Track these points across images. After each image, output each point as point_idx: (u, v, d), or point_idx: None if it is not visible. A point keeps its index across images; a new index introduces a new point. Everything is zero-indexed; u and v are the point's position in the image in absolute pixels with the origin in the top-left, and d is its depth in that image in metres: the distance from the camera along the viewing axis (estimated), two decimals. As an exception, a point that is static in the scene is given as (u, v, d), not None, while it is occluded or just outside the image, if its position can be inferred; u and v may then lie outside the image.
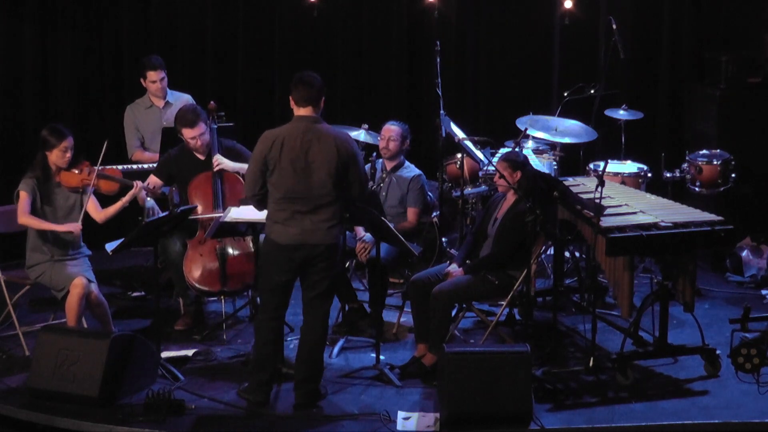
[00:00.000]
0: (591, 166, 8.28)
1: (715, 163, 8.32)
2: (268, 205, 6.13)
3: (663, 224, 6.47)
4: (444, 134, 8.00)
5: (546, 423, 5.95)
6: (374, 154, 7.91)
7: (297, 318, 6.84)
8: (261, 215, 6.41)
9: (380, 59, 9.63)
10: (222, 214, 6.92)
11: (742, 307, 6.10)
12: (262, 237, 6.77)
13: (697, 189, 8.32)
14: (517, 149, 7.68)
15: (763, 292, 8.05)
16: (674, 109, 9.43)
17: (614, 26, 8.39)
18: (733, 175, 8.36)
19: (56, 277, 6.79)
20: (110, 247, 6.91)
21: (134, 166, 7.84)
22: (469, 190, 8.22)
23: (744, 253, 8.41)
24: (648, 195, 7.35)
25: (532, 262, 6.67)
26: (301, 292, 6.26)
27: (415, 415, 6.09)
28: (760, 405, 6.09)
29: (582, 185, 7.20)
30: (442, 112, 7.94)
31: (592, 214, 6.42)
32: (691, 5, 9.30)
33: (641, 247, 6.43)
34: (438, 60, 8.06)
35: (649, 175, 8.31)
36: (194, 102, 7.99)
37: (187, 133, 7.22)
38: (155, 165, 7.56)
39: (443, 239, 8.17)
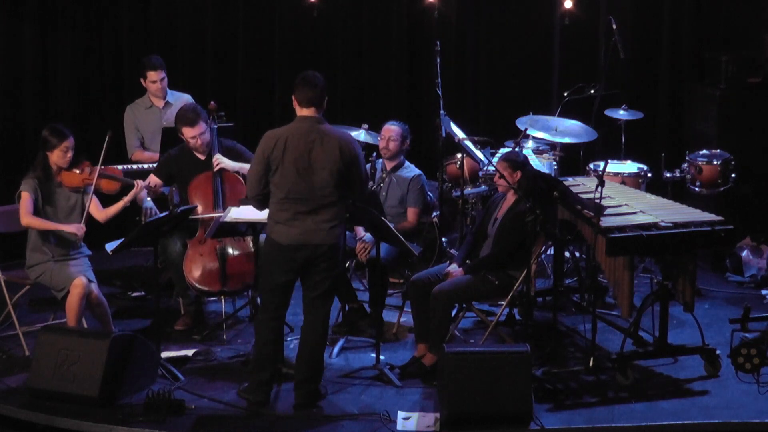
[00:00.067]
0: (591, 166, 8.28)
1: (715, 163, 8.32)
2: (270, 205, 6.13)
3: (663, 224, 6.47)
4: (444, 134, 8.00)
5: (546, 423, 5.95)
6: (374, 154, 7.91)
7: (297, 318, 6.84)
8: (261, 215, 6.41)
9: (380, 59, 9.63)
10: (222, 214, 6.92)
11: (742, 307, 6.10)
12: (262, 237, 6.79)
13: (697, 189, 8.32)
14: (517, 149, 7.68)
15: (763, 292, 8.05)
16: (674, 109, 9.43)
17: (614, 26, 8.39)
18: (733, 175, 8.36)
19: (56, 277, 6.79)
20: (110, 247, 6.91)
21: (134, 166, 7.84)
22: (469, 190, 8.22)
23: (744, 253, 8.41)
24: (648, 195, 7.35)
25: (532, 262, 6.67)
26: (301, 292, 6.26)
27: (415, 415, 6.09)
28: (760, 405, 6.09)
29: (582, 185, 7.20)
30: (442, 112, 7.94)
31: (592, 214, 6.42)
32: (691, 5, 9.30)
33: (641, 247, 6.43)
34: (438, 60, 8.06)
35: (649, 175, 8.31)
36: (194, 102, 7.99)
37: (188, 133, 7.22)
38: (155, 165, 7.56)
39: (443, 239, 8.17)
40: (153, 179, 7.27)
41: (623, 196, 7.07)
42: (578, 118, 8.42)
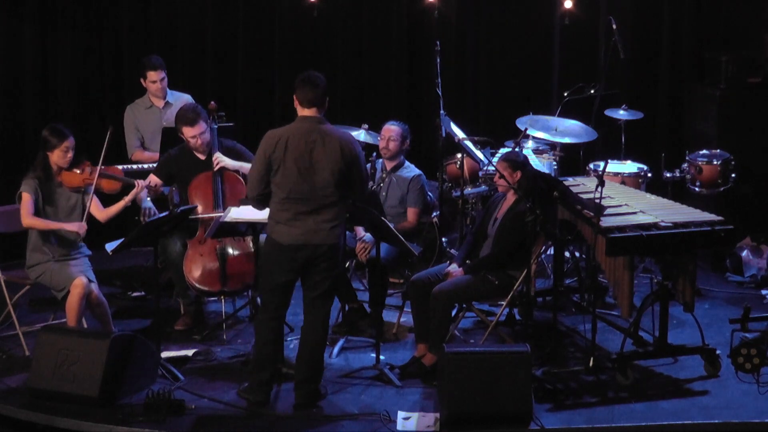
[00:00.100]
0: (591, 166, 8.28)
1: (715, 163, 8.32)
2: (271, 205, 6.13)
3: (663, 224, 6.47)
4: (444, 134, 8.00)
5: (546, 423, 5.95)
6: (374, 154, 7.91)
7: (297, 318, 6.85)
8: (261, 215, 6.41)
9: (380, 59, 9.63)
10: (222, 214, 6.92)
11: (742, 307, 6.09)
12: (262, 237, 6.79)
13: (697, 189, 8.32)
14: (517, 149, 7.68)
15: (763, 292, 8.05)
16: (674, 109, 9.43)
17: (614, 26, 8.39)
18: (733, 175, 8.36)
19: (57, 277, 6.79)
20: (110, 247, 6.91)
21: (134, 166, 7.84)
22: (469, 190, 8.22)
23: (744, 253, 8.41)
24: (648, 195, 7.35)
25: (532, 262, 6.67)
26: (301, 292, 6.26)
27: (415, 415, 6.09)
28: (760, 405, 6.09)
29: (582, 185, 7.20)
30: (442, 112, 7.94)
31: (592, 214, 6.42)
32: (691, 5, 9.30)
33: (641, 247, 6.43)
34: (438, 60, 8.06)
35: (649, 175, 8.31)
36: (194, 102, 7.99)
37: (188, 132, 7.22)
38: (155, 165, 7.55)
39: (443, 239, 8.17)
40: (153, 179, 7.27)
41: (623, 196, 7.07)
42: (578, 118, 8.41)
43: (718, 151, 8.46)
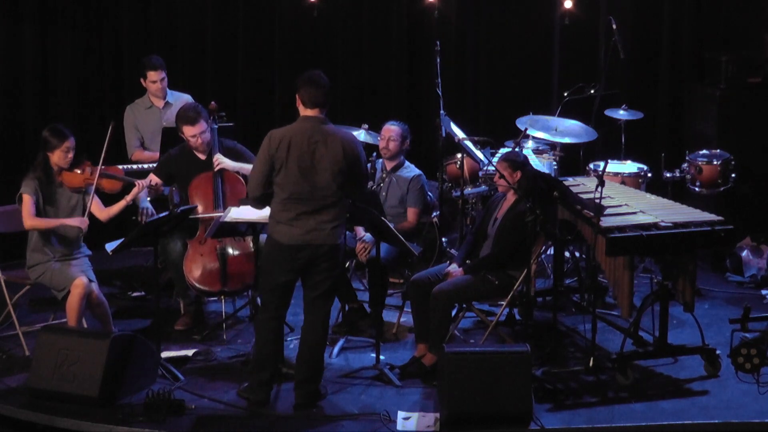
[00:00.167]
0: (591, 166, 8.28)
1: (715, 163, 8.32)
2: (272, 205, 6.12)
3: (663, 224, 6.47)
4: (444, 134, 8.00)
5: (546, 423, 5.95)
6: (374, 154, 7.91)
7: (297, 318, 6.85)
8: (261, 215, 6.42)
9: (380, 59, 9.63)
10: (222, 214, 6.92)
11: (742, 307, 6.08)
12: (262, 237, 6.79)
13: (697, 189, 8.32)
14: (517, 149, 7.68)
15: (763, 292, 8.05)
16: (674, 109, 9.43)
17: (614, 26, 8.39)
18: (733, 175, 8.36)
19: (57, 277, 6.79)
20: (110, 247, 6.91)
21: (134, 166, 7.84)
22: (469, 190, 8.22)
23: (744, 253, 8.41)
24: (648, 195, 7.35)
25: (532, 262, 6.67)
26: (301, 292, 6.26)
27: (415, 415, 6.09)
28: (760, 405, 6.09)
29: (582, 185, 7.20)
30: (442, 112, 7.94)
31: (592, 214, 6.42)
32: (691, 5, 9.30)
33: (641, 247, 6.43)
34: (438, 60, 8.06)
35: (649, 175, 8.31)
36: (195, 101, 7.99)
37: (188, 131, 7.22)
38: (155, 165, 7.55)
39: (443, 239, 8.17)
40: (153, 178, 7.26)
41: (623, 196, 7.07)
42: (578, 118, 8.41)
43: (718, 151, 8.46)
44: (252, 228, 7.08)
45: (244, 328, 7.42)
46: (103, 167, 6.95)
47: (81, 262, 6.93)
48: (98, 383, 6.10)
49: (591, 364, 6.54)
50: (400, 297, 7.63)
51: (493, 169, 7.19)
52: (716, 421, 5.99)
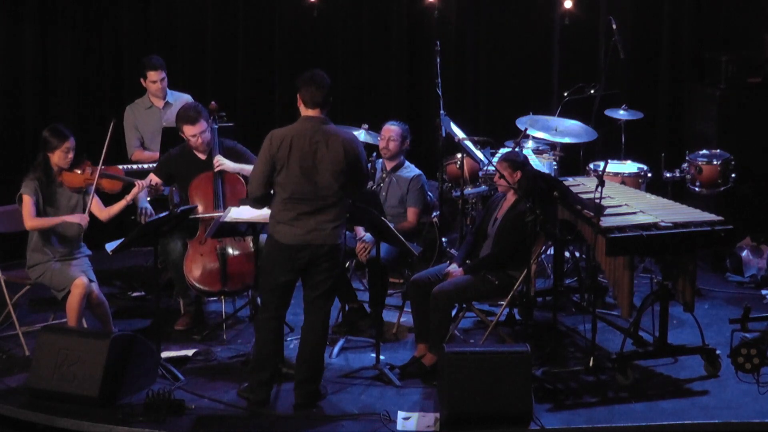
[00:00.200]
0: (591, 166, 8.28)
1: (715, 163, 8.32)
2: (273, 205, 6.12)
3: (663, 224, 6.47)
4: (444, 134, 8.00)
5: (546, 423, 5.95)
6: (374, 154, 7.91)
7: (297, 318, 6.85)
8: (261, 215, 6.42)
9: (380, 59, 9.63)
10: (222, 214, 6.92)
11: (742, 307, 6.09)
12: (262, 237, 6.79)
13: (697, 189, 8.32)
14: (517, 149, 7.67)
15: (763, 292, 8.05)
16: (674, 109, 9.43)
17: (614, 26, 8.40)
18: (733, 175, 8.36)
19: (57, 277, 6.79)
20: (110, 247, 6.91)
21: (134, 166, 7.84)
22: (469, 190, 8.22)
23: (744, 253, 8.41)
24: (648, 195, 7.35)
25: (532, 262, 6.67)
26: (301, 292, 6.26)
27: (415, 415, 6.09)
28: (760, 405, 6.09)
29: (582, 185, 7.20)
30: (442, 112, 7.94)
31: (592, 214, 6.42)
32: (691, 5, 9.30)
33: (641, 247, 6.43)
34: (438, 60, 8.06)
35: (649, 175, 8.31)
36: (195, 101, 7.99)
37: (188, 131, 7.22)
38: (155, 165, 7.55)
39: (443, 239, 8.17)
40: (153, 178, 7.26)
41: (623, 196, 7.07)
42: (578, 118, 8.41)
43: (718, 151, 8.46)
44: (252, 228, 7.08)
45: (244, 328, 7.42)
46: (103, 167, 6.95)
47: (81, 262, 6.93)
48: (98, 383, 6.10)
49: (591, 364, 6.54)
50: (400, 297, 7.63)
51: (493, 169, 7.19)
52: (716, 421, 5.99)
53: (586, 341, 6.85)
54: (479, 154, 8.08)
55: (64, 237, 6.89)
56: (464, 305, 7.07)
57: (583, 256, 7.92)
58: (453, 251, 7.97)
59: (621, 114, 8.49)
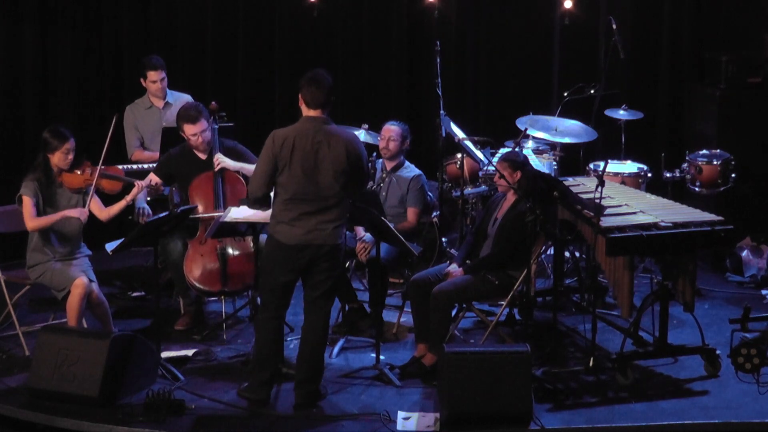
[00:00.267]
0: (591, 166, 8.28)
1: (715, 163, 8.32)
2: (274, 206, 6.13)
3: (663, 224, 6.47)
4: (444, 134, 8.00)
5: (546, 423, 5.95)
6: (374, 154, 7.91)
7: (297, 318, 6.85)
8: (262, 215, 6.42)
9: (380, 59, 9.63)
10: (222, 214, 6.92)
11: (742, 307, 6.09)
12: (262, 237, 6.79)
13: (697, 189, 8.32)
14: (517, 149, 7.68)
15: (763, 292, 8.05)
16: (674, 109, 9.43)
17: (614, 26, 8.40)
18: (733, 175, 8.36)
19: (57, 277, 6.79)
20: (110, 247, 6.91)
21: (134, 166, 7.84)
22: (469, 190, 8.22)
23: (744, 253, 8.41)
24: (648, 195, 7.35)
25: (532, 262, 6.67)
26: (301, 292, 6.26)
27: (415, 415, 6.09)
28: (760, 405, 6.09)
29: (582, 185, 7.20)
30: (442, 112, 7.94)
31: (592, 214, 6.42)
32: (691, 5, 9.30)
33: (641, 247, 6.43)
34: (438, 60, 8.06)
35: (649, 175, 8.31)
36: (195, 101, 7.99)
37: (189, 130, 7.22)
38: (155, 165, 7.55)
39: (443, 239, 8.17)
40: (153, 178, 7.26)
41: (623, 196, 7.07)
42: (578, 118, 8.41)
43: (718, 151, 8.46)
44: (252, 228, 7.08)
45: (244, 328, 7.42)
46: (102, 167, 6.95)
47: (81, 262, 6.93)
48: (98, 383, 6.10)
49: (591, 364, 6.54)
50: (400, 297, 7.63)
51: (493, 169, 7.19)
52: (716, 421, 6.00)
53: (586, 341, 6.85)
54: (479, 154, 8.08)
55: (64, 236, 6.88)
56: (464, 305, 7.07)
57: (583, 256, 7.92)
58: (453, 251, 7.97)
59: (621, 114, 8.50)
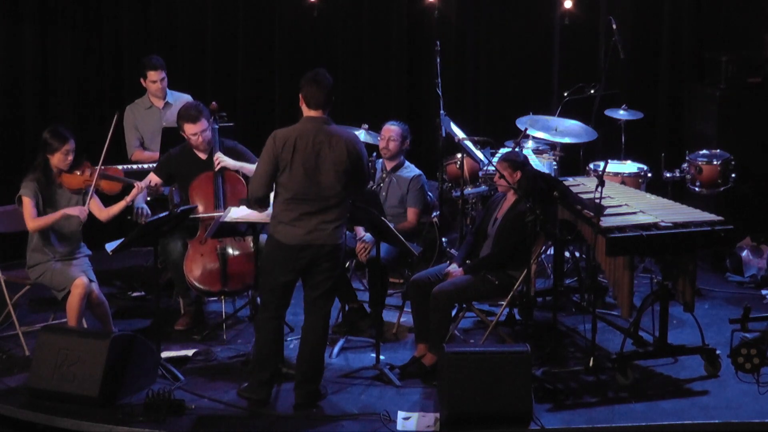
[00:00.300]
0: (591, 166, 8.28)
1: (715, 163, 8.32)
2: (275, 206, 6.12)
3: (663, 224, 6.47)
4: (444, 134, 8.00)
5: (546, 423, 5.95)
6: (374, 154, 7.91)
7: (297, 318, 6.85)
8: (262, 215, 6.41)
9: (380, 59, 9.63)
10: (222, 214, 6.92)
11: (742, 307, 6.09)
12: (262, 237, 6.79)
13: (697, 189, 8.32)
14: (517, 149, 7.68)
15: (763, 292, 8.05)
16: (674, 109, 9.43)
17: (614, 26, 8.40)
18: (733, 175, 8.36)
19: (57, 277, 6.79)
20: (110, 247, 6.91)
21: (134, 166, 7.84)
22: (469, 190, 8.22)
23: (744, 253, 8.41)
24: (648, 195, 7.35)
25: (532, 262, 6.67)
26: (301, 292, 6.26)
27: (415, 415, 6.09)
28: (760, 405, 6.09)
29: (582, 185, 7.20)
30: (442, 112, 7.94)
31: (592, 214, 6.42)
32: (691, 5, 9.30)
33: (641, 247, 6.43)
34: (438, 60, 8.06)
35: (649, 175, 8.31)
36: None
37: (189, 129, 7.21)
38: (155, 165, 7.55)
39: (443, 239, 8.17)
40: (153, 178, 7.26)
41: (623, 196, 7.07)
42: (578, 118, 8.41)
43: (718, 151, 8.46)
44: (252, 228, 7.08)
45: (244, 328, 7.42)
46: (102, 167, 6.94)
47: (81, 262, 6.93)
48: (98, 383, 6.10)
49: (591, 364, 6.54)
50: (400, 297, 7.63)
51: (493, 169, 7.19)
52: (716, 421, 6.00)
53: (586, 341, 6.85)
54: (479, 154, 8.08)
55: (64, 236, 6.88)
56: (464, 305, 7.07)
57: (583, 256, 7.92)
58: (453, 251, 7.97)
59: (621, 114, 8.50)
